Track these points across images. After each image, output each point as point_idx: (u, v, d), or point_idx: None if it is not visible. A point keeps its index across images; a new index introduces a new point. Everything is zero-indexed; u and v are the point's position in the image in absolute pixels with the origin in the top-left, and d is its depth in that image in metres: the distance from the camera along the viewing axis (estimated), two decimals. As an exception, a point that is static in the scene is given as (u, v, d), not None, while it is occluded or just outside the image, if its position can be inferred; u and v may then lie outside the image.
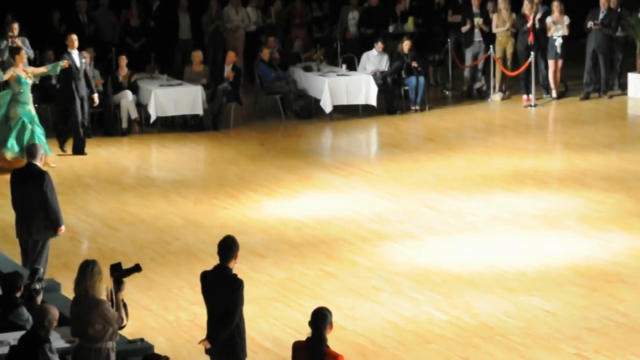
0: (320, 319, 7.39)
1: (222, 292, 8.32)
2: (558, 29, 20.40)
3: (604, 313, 10.80)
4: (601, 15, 20.38)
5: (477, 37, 20.94)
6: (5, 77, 16.27)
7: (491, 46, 20.79)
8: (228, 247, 8.42)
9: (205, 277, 8.47)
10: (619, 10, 20.57)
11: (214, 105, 19.14)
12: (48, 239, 11.12)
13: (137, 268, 8.41)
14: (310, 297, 11.32)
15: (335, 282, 11.83)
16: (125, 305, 8.36)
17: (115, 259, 12.15)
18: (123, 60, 18.96)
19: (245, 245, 12.61)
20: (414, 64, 19.73)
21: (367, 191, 15.20)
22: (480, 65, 21.15)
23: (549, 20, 20.49)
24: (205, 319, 8.52)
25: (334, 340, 7.87)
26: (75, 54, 17.20)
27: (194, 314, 10.85)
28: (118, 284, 8.32)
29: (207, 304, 8.49)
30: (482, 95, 21.18)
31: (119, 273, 8.34)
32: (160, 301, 11.36)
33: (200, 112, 18.90)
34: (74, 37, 17.36)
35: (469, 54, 21.13)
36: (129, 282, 8.48)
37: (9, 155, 16.07)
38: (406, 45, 19.98)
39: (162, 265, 12.41)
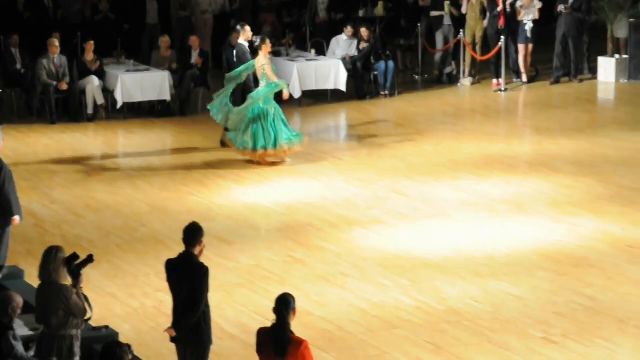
0: (283, 305, 7.31)
1: (188, 279, 8.23)
2: (528, 13, 20.37)
3: (572, 297, 10.78)
4: (571, 0, 20.36)
5: (447, 21, 20.89)
6: None
7: (461, 31, 20.74)
8: (192, 233, 8.33)
9: (171, 264, 8.38)
10: (589, -6, 20.61)
11: (182, 91, 19.00)
12: (6, 227, 10.93)
13: (89, 259, 8.30)
14: (277, 283, 11.24)
15: (303, 269, 11.75)
16: (86, 298, 8.26)
17: (81, 246, 12.07)
18: (90, 46, 18.78)
19: (212, 232, 12.53)
20: (362, 44, 19.60)
21: (336, 177, 15.12)
22: (450, 50, 21.09)
23: (519, 4, 20.45)
24: (171, 306, 8.41)
25: (301, 326, 7.80)
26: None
27: (159, 301, 10.74)
28: (75, 277, 8.22)
29: (173, 292, 8.40)
30: (452, 80, 21.14)
31: (73, 266, 8.23)
32: (126, 288, 11.24)
33: (167, 97, 18.76)
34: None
35: (439, 37, 21.07)
36: (94, 268, 8.38)
37: None
38: (364, 32, 19.86)
39: (128, 252, 12.29)
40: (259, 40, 15.78)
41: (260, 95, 15.65)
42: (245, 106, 15.79)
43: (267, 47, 15.74)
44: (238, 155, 16.10)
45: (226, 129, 16.22)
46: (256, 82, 16.03)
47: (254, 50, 15.89)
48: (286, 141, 15.67)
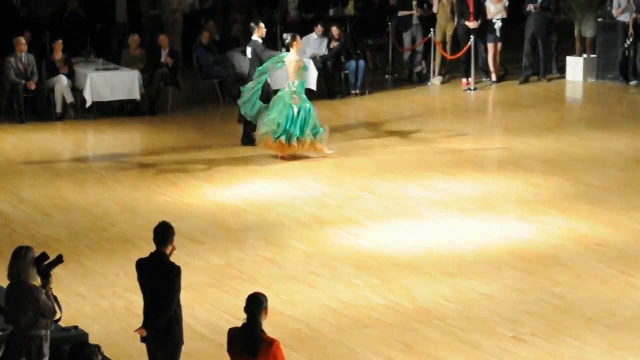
0: (254, 304, 7.30)
1: (159, 278, 8.20)
2: (497, 12, 20.45)
3: (541, 295, 10.83)
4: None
5: (415, 20, 20.94)
6: None
7: (431, 29, 20.79)
8: (163, 232, 8.30)
9: (141, 264, 8.35)
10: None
11: (152, 90, 18.94)
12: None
13: (59, 259, 8.26)
14: (247, 282, 11.22)
15: (273, 268, 11.74)
16: (56, 298, 8.22)
17: (49, 246, 11.99)
18: (58, 45, 18.69)
19: (182, 231, 12.49)
20: (333, 43, 19.65)
21: (306, 176, 15.12)
22: (419, 49, 21.14)
23: (488, 3, 20.53)
24: (141, 306, 8.39)
25: (271, 325, 7.79)
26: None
27: (129, 301, 10.71)
28: (45, 277, 8.18)
29: (144, 292, 8.36)
30: (422, 79, 21.18)
31: (42, 267, 8.19)
32: (95, 288, 11.20)
33: (137, 96, 18.70)
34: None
35: (406, 37, 21.12)
36: (63, 268, 8.34)
37: None
38: (335, 30, 19.90)
39: (97, 252, 12.24)
40: (289, 38, 15.93)
41: (298, 93, 15.76)
42: (279, 102, 15.79)
43: (298, 44, 15.96)
44: (209, 154, 16.08)
45: (246, 123, 16.29)
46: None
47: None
48: (316, 136, 15.81)
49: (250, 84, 15.98)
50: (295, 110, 15.71)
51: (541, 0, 20.44)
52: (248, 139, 16.48)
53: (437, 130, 17.53)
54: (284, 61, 15.85)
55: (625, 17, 20.11)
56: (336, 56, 20.01)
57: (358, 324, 10.29)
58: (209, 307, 10.68)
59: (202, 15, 22.05)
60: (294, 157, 15.80)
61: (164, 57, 19.21)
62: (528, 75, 20.81)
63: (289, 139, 15.69)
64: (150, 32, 21.65)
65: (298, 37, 16.05)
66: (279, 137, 15.68)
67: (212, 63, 19.83)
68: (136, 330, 8.34)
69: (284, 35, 16.31)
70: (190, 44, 20.78)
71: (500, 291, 10.98)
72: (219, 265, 11.83)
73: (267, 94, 16.23)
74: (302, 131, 15.73)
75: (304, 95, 15.92)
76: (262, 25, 16.61)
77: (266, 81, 16.19)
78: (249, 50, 16.66)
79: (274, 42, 21.48)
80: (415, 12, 20.81)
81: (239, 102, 16.14)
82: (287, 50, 16.00)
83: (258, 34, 16.47)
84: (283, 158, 15.82)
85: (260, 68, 15.94)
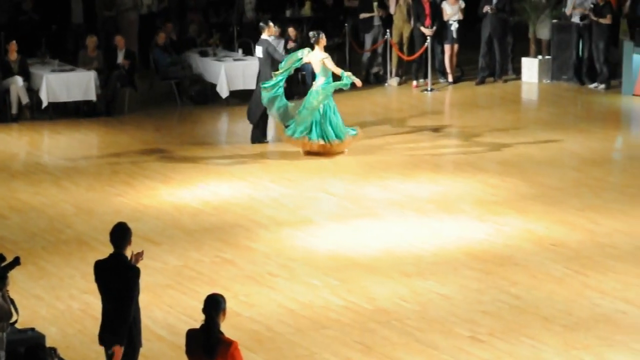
0: (212, 305, 7.28)
1: (118, 280, 8.15)
2: (454, 14, 20.55)
3: (498, 296, 10.89)
4: (495, 0, 20.57)
5: (377, 22, 21.01)
6: None
7: (388, 31, 20.86)
8: (121, 234, 8.25)
9: (100, 265, 8.30)
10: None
11: (108, 91, 18.84)
12: None
13: (16, 261, 8.19)
14: (205, 284, 11.20)
15: (231, 269, 11.73)
16: (12, 301, 8.15)
17: (5, 247, 11.90)
18: (12, 46, 18.55)
19: (139, 233, 12.44)
20: (290, 44, 19.70)
21: (264, 177, 15.11)
22: (379, 50, 21.19)
23: (444, 5, 20.63)
24: (98, 308, 8.34)
25: (229, 327, 7.78)
26: None
27: (85, 303, 10.65)
28: (1, 280, 8.11)
29: (102, 294, 8.31)
30: (379, 80, 21.24)
31: None
32: (52, 290, 11.12)
33: (93, 97, 18.60)
34: None
35: (368, 39, 21.17)
36: (19, 270, 8.28)
37: None
38: (292, 31, 19.92)
39: (53, 254, 12.16)
40: (316, 35, 16.14)
41: (325, 90, 15.90)
42: (308, 101, 15.95)
43: (323, 41, 16.12)
44: (167, 155, 16.01)
45: (257, 123, 16.52)
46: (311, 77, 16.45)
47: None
48: (345, 134, 16.01)
49: (269, 84, 16.13)
50: (321, 108, 15.89)
51: (496, 2, 20.56)
52: (258, 138, 16.72)
53: (394, 131, 17.58)
54: (301, 59, 16.04)
55: (578, 19, 20.27)
56: (293, 57, 20.00)
57: (316, 324, 10.30)
58: (167, 309, 10.64)
59: (159, 16, 21.96)
60: (319, 154, 15.96)
61: (121, 58, 19.12)
62: (484, 76, 20.93)
63: (324, 139, 15.87)
64: (106, 33, 21.55)
65: (323, 35, 16.25)
66: (310, 136, 15.87)
67: (169, 64, 19.77)
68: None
69: (310, 34, 16.49)
70: (147, 44, 20.70)
71: (457, 291, 11.03)
72: (176, 267, 11.80)
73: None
74: (335, 130, 15.91)
75: (329, 93, 16.04)
76: (272, 24, 16.91)
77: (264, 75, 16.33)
78: (259, 49, 16.78)
79: (230, 44, 21.45)
80: (376, 14, 20.86)
81: (263, 102, 16.24)
82: (312, 48, 16.11)
83: (268, 33, 16.73)
84: (311, 154, 15.96)
85: (282, 66, 16.12)
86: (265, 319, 10.41)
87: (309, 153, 15.98)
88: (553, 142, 16.74)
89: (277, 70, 16.20)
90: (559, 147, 16.46)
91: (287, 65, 16.12)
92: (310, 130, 15.93)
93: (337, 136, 15.95)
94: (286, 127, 16.16)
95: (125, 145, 16.95)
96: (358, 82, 16.15)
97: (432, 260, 11.90)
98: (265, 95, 16.12)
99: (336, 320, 10.37)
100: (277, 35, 20.25)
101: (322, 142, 15.90)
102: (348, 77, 15.98)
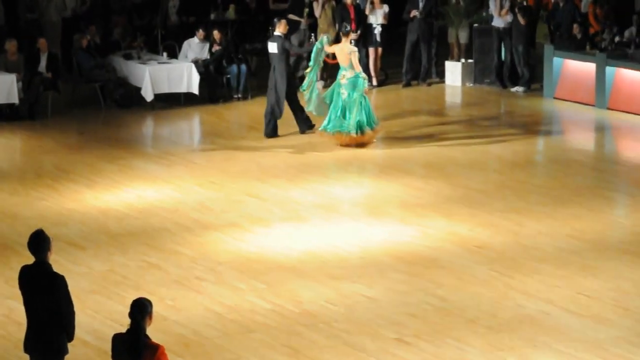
0: (138, 309, 7.25)
1: (42, 288, 8.05)
2: (377, 18, 20.67)
3: (424, 298, 10.98)
4: (421, 4, 20.74)
5: (303, 25, 21.04)
6: None
7: (313, 34, 20.89)
8: (38, 242, 8.14)
9: (25, 272, 8.18)
10: (436, -2, 21.07)
11: (30, 94, 18.62)
12: None
13: None
14: (131, 288, 11.14)
15: (158, 273, 11.67)
16: None
17: None
18: None
19: (64, 237, 12.36)
20: (215, 47, 19.82)
21: (190, 180, 15.06)
22: (305, 54, 21.21)
23: (368, 8, 20.74)
24: (22, 314, 8.24)
25: (156, 331, 7.75)
26: None
27: (9, 309, 10.52)
28: None
29: (26, 301, 8.19)
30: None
31: None
32: (-25, 296, 10.98)
33: (15, 100, 18.37)
34: None
35: (294, 41, 21.18)
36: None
37: None
38: (216, 35, 19.91)
39: (-24, 259, 12.00)
40: (347, 27, 17.02)
41: (358, 84, 16.34)
42: (336, 95, 16.42)
43: (349, 35, 16.84)
44: (91, 159, 15.88)
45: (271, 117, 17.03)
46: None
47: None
48: (377, 123, 16.60)
49: (304, 85, 16.71)
50: (345, 96, 16.34)
51: (422, 6, 20.72)
52: (274, 131, 17.13)
53: (319, 134, 17.60)
54: (322, 49, 16.58)
55: (499, 23, 20.51)
56: (218, 60, 19.97)
57: (243, 328, 10.29)
58: (92, 314, 10.56)
59: (82, 19, 21.76)
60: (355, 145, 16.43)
61: (43, 61, 18.91)
62: (409, 79, 21.08)
63: (361, 129, 16.38)
64: (29, 36, 21.28)
65: (350, 28, 17.25)
66: (348, 130, 16.32)
67: (93, 67, 19.60)
68: None
69: (344, 24, 17.60)
70: (71, 47, 20.50)
71: (383, 294, 11.10)
72: (101, 272, 11.71)
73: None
74: (368, 118, 16.42)
75: (357, 84, 16.41)
76: (283, 21, 17.33)
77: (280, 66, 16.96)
78: (273, 45, 17.04)
79: (154, 47, 21.34)
80: (304, 21, 20.95)
81: (309, 108, 16.81)
82: (338, 40, 16.87)
83: (280, 30, 17.04)
84: (350, 145, 16.39)
85: (311, 64, 16.67)
86: (192, 323, 10.38)
87: (347, 145, 16.43)
88: (476, 145, 16.91)
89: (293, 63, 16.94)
90: (482, 150, 16.64)
91: (314, 61, 16.63)
92: (342, 124, 16.41)
93: (369, 125, 16.46)
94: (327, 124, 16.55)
95: (49, 149, 16.77)
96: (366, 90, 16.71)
97: (358, 263, 11.96)
98: (306, 97, 16.67)
99: (263, 324, 10.38)
100: (202, 39, 20.19)
101: (356, 134, 16.40)
102: (365, 79, 16.56)
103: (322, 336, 10.10)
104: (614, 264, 11.83)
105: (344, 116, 16.40)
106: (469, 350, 9.79)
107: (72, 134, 17.74)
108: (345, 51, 16.48)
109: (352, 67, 16.41)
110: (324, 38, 16.89)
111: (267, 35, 18.33)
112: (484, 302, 10.88)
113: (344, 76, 16.46)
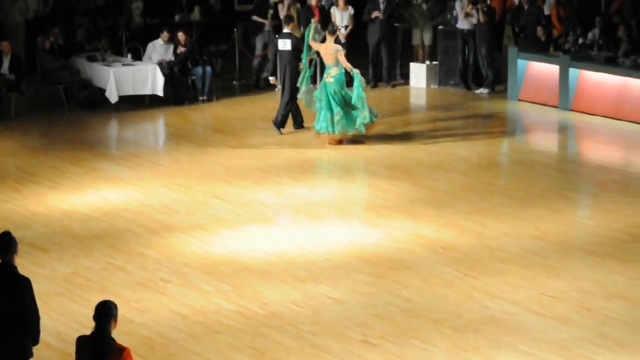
0: (103, 312, 7.21)
1: (8, 291, 7.99)
2: (343, 20, 20.69)
3: (389, 299, 11.00)
4: (382, 6, 20.77)
5: (268, 26, 21.03)
6: None
7: (276, 36, 20.88)
8: (4, 244, 8.09)
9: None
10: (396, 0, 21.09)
11: (-6, 96, 18.51)
12: None
13: None
14: (96, 291, 11.09)
15: (123, 275, 11.63)
16: None
17: None
18: None
19: (28, 240, 12.28)
20: (180, 49, 19.80)
21: (155, 182, 15.01)
22: (270, 56, 21.21)
23: (334, 10, 20.76)
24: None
25: (121, 333, 7.71)
26: None
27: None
28: None
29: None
30: (270, 85, 21.25)
31: None
32: (-63, 299, 10.86)
33: (-22, 102, 18.25)
34: None
35: (258, 43, 21.19)
36: None
37: None
38: (181, 36, 19.89)
39: (-62, 262, 11.87)
40: (330, 27, 17.11)
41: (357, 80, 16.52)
42: (324, 95, 16.58)
43: (335, 34, 16.99)
44: (55, 161, 15.79)
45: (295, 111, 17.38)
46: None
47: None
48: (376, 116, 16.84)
49: (300, 81, 16.94)
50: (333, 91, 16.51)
51: (384, 8, 20.76)
52: (299, 124, 17.56)
53: (285, 136, 17.62)
54: (309, 45, 16.75)
55: (463, 25, 20.60)
56: (183, 62, 19.93)
57: (209, 330, 10.27)
58: (56, 317, 10.50)
59: (46, 20, 21.64)
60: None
61: (6, 63, 18.79)
62: (376, 81, 21.11)
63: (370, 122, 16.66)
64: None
65: (339, 28, 17.62)
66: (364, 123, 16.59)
67: (57, 69, 19.49)
68: None
69: (332, 23, 17.95)
70: (34, 49, 20.37)
71: (349, 295, 11.11)
72: (66, 274, 11.65)
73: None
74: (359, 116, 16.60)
75: (341, 82, 16.68)
76: (294, 19, 17.92)
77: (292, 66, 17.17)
78: (285, 42, 17.19)
79: (119, 49, 21.26)
80: (267, 22, 20.93)
81: (305, 103, 17.04)
82: (323, 39, 16.91)
83: (290, 28, 17.46)
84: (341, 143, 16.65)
85: (304, 62, 16.85)
86: (157, 325, 10.35)
87: (339, 142, 16.66)
88: (441, 146, 16.97)
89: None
90: (447, 152, 16.70)
91: (306, 52, 16.81)
92: (334, 124, 16.59)
93: (370, 120, 16.68)
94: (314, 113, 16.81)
95: (12, 150, 16.67)
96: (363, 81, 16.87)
97: (324, 264, 11.96)
98: (301, 91, 16.93)
99: (229, 326, 10.36)
100: (166, 40, 20.13)
101: (353, 131, 16.66)
102: (357, 74, 16.67)
103: (288, 338, 10.10)
104: (577, 265, 11.91)
105: (331, 112, 16.48)
106: (434, 351, 9.82)
107: (36, 136, 17.64)
108: (331, 50, 16.62)
109: (337, 65, 16.61)
110: (312, 25, 17.04)
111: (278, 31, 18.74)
112: (449, 303, 10.92)
113: (330, 74, 16.61)
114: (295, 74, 17.19)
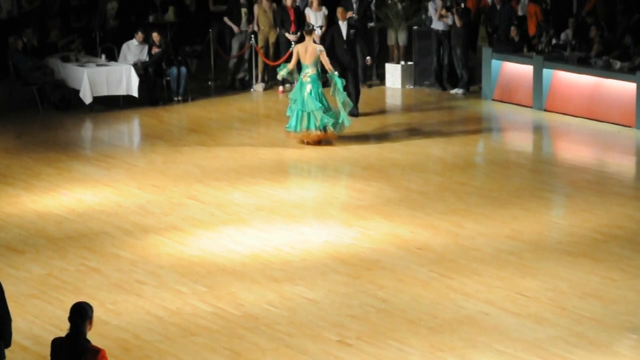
0: (79, 313, 7.18)
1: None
2: (317, 20, 20.70)
3: (365, 300, 11.01)
4: (355, 6, 20.79)
5: (244, 27, 21.02)
6: None
7: (253, 36, 20.89)
8: None
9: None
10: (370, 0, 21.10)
11: (-33, 97, 18.42)
12: None
13: None
14: (71, 292, 11.05)
15: (98, 277, 11.59)
16: None
17: None
18: None
19: (2, 241, 12.25)
20: (154, 50, 19.77)
21: (130, 183, 14.98)
22: (245, 56, 21.21)
23: (308, 11, 20.77)
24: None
25: (96, 335, 7.70)
26: None
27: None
28: None
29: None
30: (245, 86, 21.25)
31: None
32: None
33: (-48, 103, 18.16)
34: None
35: (235, 44, 21.16)
36: None
37: None
38: (155, 37, 19.85)
39: None
40: (306, 27, 17.22)
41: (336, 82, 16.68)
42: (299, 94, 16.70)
43: (312, 34, 17.05)
44: (29, 162, 15.73)
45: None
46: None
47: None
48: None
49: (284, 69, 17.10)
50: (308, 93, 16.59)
51: (357, 7, 20.78)
52: (352, 112, 17.59)
53: (261, 137, 17.62)
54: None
55: (438, 25, 20.65)
56: (157, 63, 19.89)
57: (185, 331, 10.26)
58: (31, 319, 10.46)
59: (19, 20, 21.54)
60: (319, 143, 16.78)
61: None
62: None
63: (323, 128, 16.71)
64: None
65: (316, 28, 17.79)
66: (310, 127, 16.64)
67: (30, 69, 19.41)
68: None
69: (307, 23, 18.21)
70: (6, 49, 20.28)
71: (325, 296, 11.12)
72: (40, 276, 11.60)
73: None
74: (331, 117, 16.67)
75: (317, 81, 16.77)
76: (340, 9, 18.57)
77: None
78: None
79: (93, 49, 21.19)
80: (242, 24, 20.93)
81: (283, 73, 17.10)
82: (302, 38, 17.19)
83: (341, 17, 18.28)
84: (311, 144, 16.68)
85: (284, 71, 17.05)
86: (133, 327, 10.32)
87: (309, 143, 16.68)
88: (416, 146, 17.00)
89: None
90: (422, 152, 16.73)
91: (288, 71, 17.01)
92: (309, 122, 16.62)
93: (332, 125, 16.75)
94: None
95: (-15, 152, 16.59)
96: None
97: (300, 265, 11.97)
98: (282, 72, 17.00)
99: (205, 327, 10.35)
100: (141, 41, 20.08)
101: (321, 132, 16.68)
102: (335, 74, 16.79)
103: (264, 339, 10.10)
104: (551, 265, 11.96)
105: (308, 110, 16.56)
106: (410, 352, 9.84)
107: (10, 137, 17.56)
108: (311, 50, 16.66)
109: (314, 65, 16.66)
110: (286, 69, 17.06)
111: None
112: (425, 303, 10.94)
113: (307, 74, 16.63)
114: (348, 59, 17.75)
